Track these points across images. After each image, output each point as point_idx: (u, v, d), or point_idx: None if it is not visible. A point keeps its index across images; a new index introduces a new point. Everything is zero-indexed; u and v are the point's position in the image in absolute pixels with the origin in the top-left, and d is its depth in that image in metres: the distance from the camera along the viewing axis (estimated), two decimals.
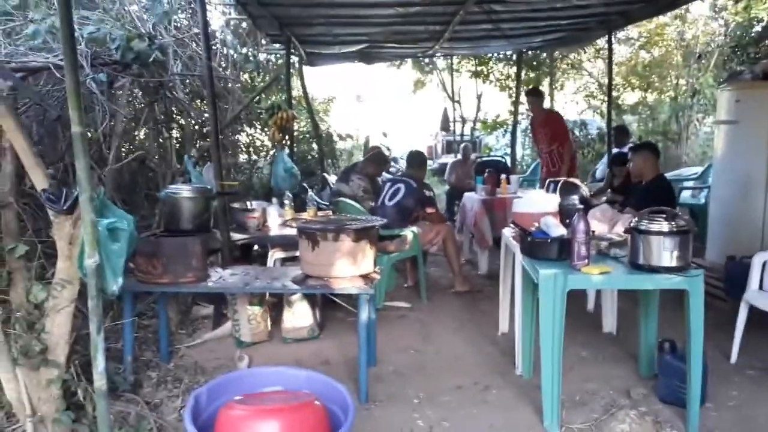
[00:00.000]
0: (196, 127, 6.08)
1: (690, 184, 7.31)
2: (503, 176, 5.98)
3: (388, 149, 11.43)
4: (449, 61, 11.28)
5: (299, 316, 3.96)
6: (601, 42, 11.31)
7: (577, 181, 3.84)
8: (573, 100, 13.11)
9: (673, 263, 2.59)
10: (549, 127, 6.38)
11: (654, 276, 2.62)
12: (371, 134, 11.78)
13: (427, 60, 11.25)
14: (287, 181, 5.44)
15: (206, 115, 5.17)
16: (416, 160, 5.23)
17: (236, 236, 4.23)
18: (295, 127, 9.25)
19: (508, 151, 10.43)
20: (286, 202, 4.65)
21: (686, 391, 2.76)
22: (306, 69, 9.05)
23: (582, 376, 3.30)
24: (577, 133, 11.41)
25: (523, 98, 11.14)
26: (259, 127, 7.82)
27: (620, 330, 4.02)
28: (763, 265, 3.48)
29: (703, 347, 2.65)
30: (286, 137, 5.88)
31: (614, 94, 12.06)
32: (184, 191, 3.32)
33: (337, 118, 12.08)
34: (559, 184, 3.74)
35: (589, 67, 12.82)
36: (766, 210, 4.62)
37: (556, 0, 5.40)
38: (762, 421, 2.80)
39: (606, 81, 12.61)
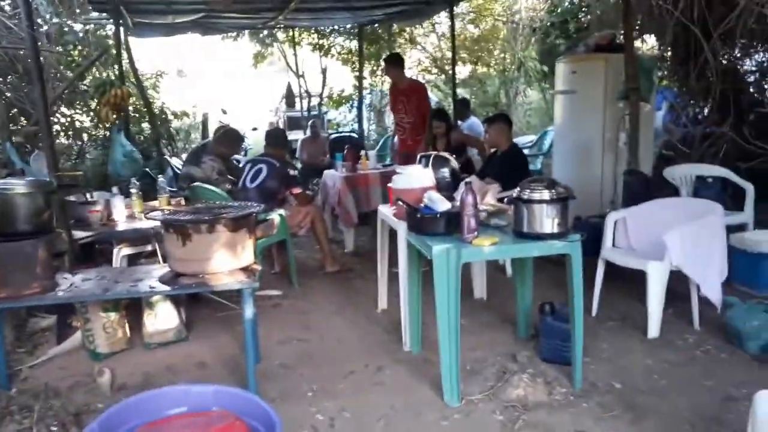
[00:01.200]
0: (14, 109, 5.21)
1: (526, 151, 7.85)
2: (363, 152, 5.91)
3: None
4: (290, 33, 10.90)
5: (162, 317, 3.56)
6: (436, 17, 11.75)
7: (446, 154, 3.87)
8: (409, 74, 13.43)
9: (556, 229, 2.69)
10: (414, 97, 6.07)
11: (539, 243, 2.70)
12: (209, 112, 11.11)
13: (266, 32, 10.77)
14: (128, 166, 4.88)
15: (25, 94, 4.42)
16: (276, 138, 4.94)
17: (79, 234, 3.67)
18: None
19: (355, 126, 10.44)
20: (133, 190, 4.13)
21: (569, 350, 2.93)
22: (133, 41, 8.18)
23: (467, 344, 3.34)
24: None
25: (366, 73, 11.21)
26: (81, 107, 6.93)
27: (490, 296, 4.17)
28: (614, 224, 3.78)
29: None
30: (120, 116, 5.23)
31: (447, 68, 12.60)
32: (17, 186, 2.75)
33: (167, 96, 11.18)
34: (431, 158, 3.74)
35: (422, 42, 13.21)
36: (603, 173, 5.09)
37: None
38: (633, 368, 3.06)
39: (440, 55, 13.30)
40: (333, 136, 8.34)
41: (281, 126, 14.94)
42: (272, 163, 4.62)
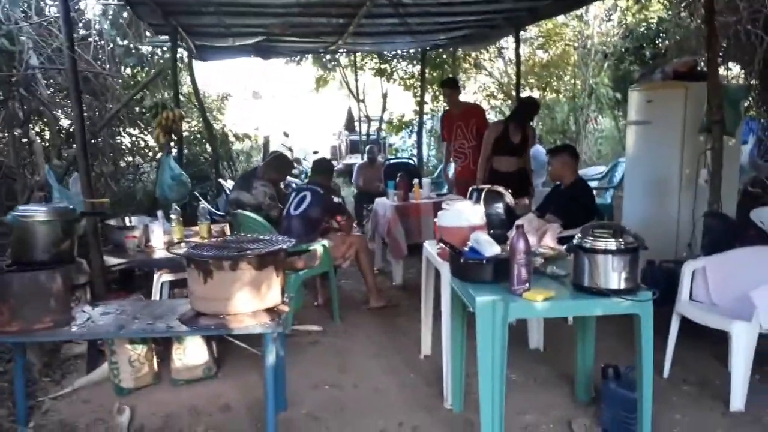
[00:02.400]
0: (70, 130, 5.26)
1: (595, 183, 7.34)
2: (415, 180, 5.63)
3: (290, 150, 10.88)
4: (352, 58, 10.85)
5: (192, 353, 3.38)
6: (503, 41, 11.44)
7: (500, 188, 3.52)
8: (474, 99, 13.14)
9: (623, 285, 2.31)
10: (473, 120, 5.77)
11: (602, 300, 2.32)
12: (271, 134, 11.16)
13: (329, 56, 10.76)
14: (175, 190, 4.79)
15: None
16: (322, 166, 4.74)
17: (112, 260, 3.56)
18: (185, 127, 8.47)
19: (414, 151, 10.20)
20: (173, 216, 4.01)
21: (634, 423, 2.51)
22: (197, 64, 8.29)
23: (517, 406, 2.97)
24: None
25: (428, 98, 10.99)
26: (144, 128, 7.01)
27: (547, 346, 3.77)
28: (692, 273, 3.32)
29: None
30: (174, 139, 5.18)
31: (514, 94, 12.22)
32: (37, 213, 2.63)
33: (232, 117, 11.33)
34: (483, 193, 3.41)
35: (488, 66, 12.90)
36: (680, 212, 4.58)
37: None
38: None
39: (506, 80, 12.93)
40: (388, 162, 8.08)
41: (343, 150, 15.00)
42: (317, 190, 4.42)
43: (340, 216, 4.50)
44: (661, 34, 9.42)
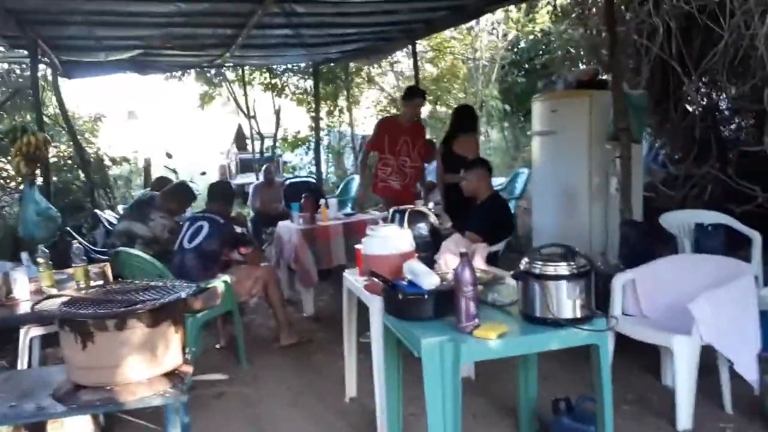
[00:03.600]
0: None
1: None
2: (322, 201, 5.25)
3: (175, 171, 10.06)
4: (239, 72, 10.28)
5: (72, 427, 2.77)
6: (395, 55, 11.38)
7: (423, 208, 3.25)
8: (368, 114, 13.00)
9: (579, 313, 2.09)
10: (420, 140, 5.19)
11: (558, 332, 2.08)
12: (152, 156, 10.29)
13: (213, 71, 10.11)
14: (42, 226, 4.10)
15: None
16: (219, 191, 4.21)
17: None
18: (52, 152, 7.53)
19: (313, 169, 9.81)
20: (40, 259, 3.34)
21: None
22: (63, 82, 7.40)
23: None
24: None
25: (322, 113, 10.64)
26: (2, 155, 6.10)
27: (478, 374, 3.52)
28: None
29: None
30: (38, 168, 4.44)
31: None
32: None
33: (108, 140, 10.33)
34: (406, 214, 3.12)
35: (380, 81, 12.82)
36: (591, 221, 4.58)
37: (366, 5, 4.87)
38: None
39: (398, 95, 12.89)
40: (288, 181, 7.62)
41: (233, 169, 14.24)
42: (215, 220, 3.91)
43: (243, 247, 4.02)
44: (544, 46, 9.75)
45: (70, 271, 3.66)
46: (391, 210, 3.28)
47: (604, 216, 4.43)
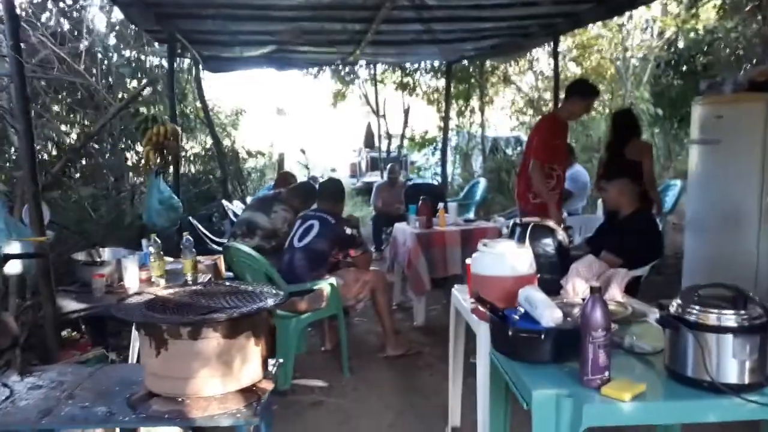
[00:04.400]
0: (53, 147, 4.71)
1: None
2: (440, 205, 4.93)
3: (307, 167, 10.28)
4: (372, 70, 10.24)
5: None
6: (535, 53, 10.76)
7: (550, 222, 2.82)
8: (501, 115, 12.46)
9: (747, 379, 1.58)
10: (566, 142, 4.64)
11: (717, 400, 1.59)
12: (287, 151, 10.59)
13: (347, 69, 10.17)
14: (163, 215, 4.17)
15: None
16: (330, 190, 4.01)
17: (72, 306, 2.92)
18: (190, 144, 7.94)
19: (438, 170, 9.52)
20: (152, 249, 3.36)
21: None
22: (211, 77, 7.77)
23: None
24: (510, 152, 10.68)
25: (452, 113, 10.30)
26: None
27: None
28: None
29: None
30: (168, 158, 4.57)
31: (544, 109, 11.48)
32: None
33: (249, 133, 10.79)
34: (529, 227, 2.71)
35: (517, 81, 12.20)
36: (759, 249, 3.82)
37: None
38: None
39: (536, 96, 12.21)
40: (410, 182, 7.38)
41: (363, 167, 14.37)
42: (326, 219, 3.74)
43: (354, 250, 3.82)
44: (707, 46, 8.62)
45: (200, 258, 3.68)
46: (510, 222, 2.89)
47: None
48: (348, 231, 3.78)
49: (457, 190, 9.21)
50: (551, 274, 2.62)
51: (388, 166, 7.74)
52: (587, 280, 2.55)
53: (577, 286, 2.51)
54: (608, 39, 9.81)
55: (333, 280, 3.66)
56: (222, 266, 3.93)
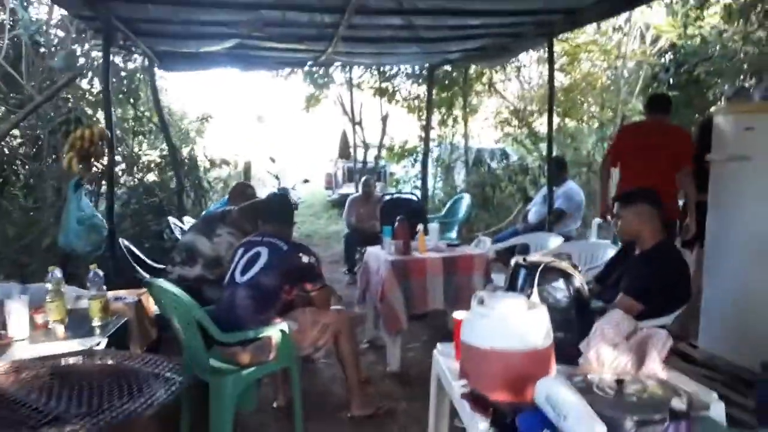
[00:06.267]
0: None
1: None
2: (420, 227, 4.23)
3: (277, 178, 9.51)
4: (348, 74, 9.56)
5: None
6: (522, 59, 10.18)
7: (563, 263, 2.12)
8: (485, 125, 11.83)
9: None
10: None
11: None
12: (254, 159, 9.84)
13: (321, 72, 9.46)
14: (83, 238, 3.40)
15: None
16: (275, 208, 3.25)
17: None
18: (146, 151, 7.17)
19: (418, 183, 8.84)
20: (48, 285, 2.60)
21: None
22: (173, 79, 7.02)
23: None
24: (494, 165, 10.05)
25: (434, 122, 9.65)
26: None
27: None
28: None
29: None
30: (98, 167, 3.81)
31: (530, 119, 10.89)
32: None
33: (217, 141, 10.03)
34: (539, 270, 2.02)
35: (502, 89, 11.60)
36: None
37: None
38: None
39: (522, 106, 11.62)
40: (386, 197, 6.63)
41: (339, 178, 13.61)
42: (276, 245, 2.99)
43: (310, 284, 3.07)
44: (711, 51, 8.04)
45: (122, 293, 3.00)
46: (512, 261, 2.19)
47: None
48: (305, 259, 3.03)
49: (439, 205, 8.52)
50: (565, 333, 1.95)
51: (363, 178, 7.02)
52: (615, 346, 1.88)
53: (602, 354, 1.84)
54: (601, 46, 9.24)
55: (284, 325, 2.91)
56: (149, 304, 3.18)
